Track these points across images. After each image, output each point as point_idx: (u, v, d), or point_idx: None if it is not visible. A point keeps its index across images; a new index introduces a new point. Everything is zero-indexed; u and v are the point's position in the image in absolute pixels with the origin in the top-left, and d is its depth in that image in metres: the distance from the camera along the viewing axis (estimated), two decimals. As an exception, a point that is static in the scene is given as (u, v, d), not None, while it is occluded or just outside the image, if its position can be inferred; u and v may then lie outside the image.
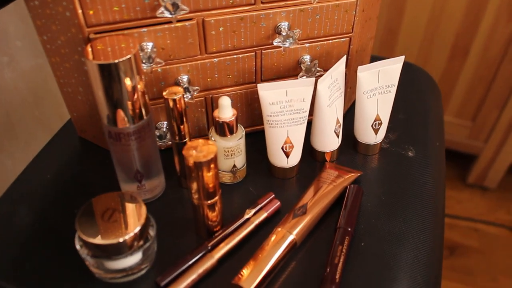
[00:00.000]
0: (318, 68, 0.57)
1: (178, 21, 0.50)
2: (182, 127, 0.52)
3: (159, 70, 0.53)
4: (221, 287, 0.47)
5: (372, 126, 0.59)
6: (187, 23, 0.51)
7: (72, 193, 0.57)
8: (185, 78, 0.55)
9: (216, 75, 0.56)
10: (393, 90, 0.57)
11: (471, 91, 1.24)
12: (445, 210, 0.60)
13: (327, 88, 0.54)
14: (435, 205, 0.56)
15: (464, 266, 1.19)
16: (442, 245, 0.55)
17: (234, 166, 0.56)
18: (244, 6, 0.51)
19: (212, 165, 0.45)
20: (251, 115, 0.62)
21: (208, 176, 0.46)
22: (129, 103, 0.46)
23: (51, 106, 0.95)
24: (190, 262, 0.47)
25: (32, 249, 0.51)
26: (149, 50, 0.50)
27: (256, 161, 0.60)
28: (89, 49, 0.45)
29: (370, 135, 0.59)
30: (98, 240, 0.43)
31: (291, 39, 0.53)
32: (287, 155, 0.56)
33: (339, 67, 0.55)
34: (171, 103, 0.49)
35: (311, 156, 0.61)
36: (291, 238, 0.48)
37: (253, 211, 0.52)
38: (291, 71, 0.59)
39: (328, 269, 0.46)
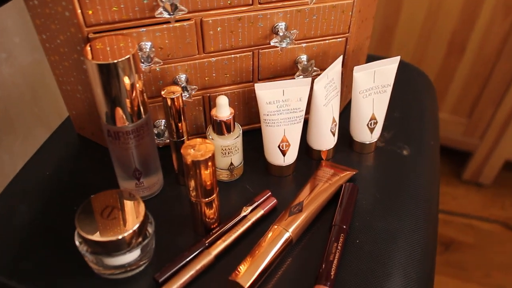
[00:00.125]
0: (314, 68, 0.58)
1: (177, 21, 0.51)
2: (180, 125, 0.52)
3: (157, 69, 0.54)
4: (218, 283, 0.47)
5: (367, 125, 0.59)
6: (185, 23, 0.51)
7: (71, 190, 0.58)
8: (183, 77, 0.55)
9: (213, 74, 0.57)
10: (389, 90, 0.58)
11: (467, 88, 1.25)
12: (439, 207, 0.61)
13: (323, 87, 0.54)
14: (429, 203, 0.57)
15: (459, 261, 1.21)
16: (435, 242, 0.56)
17: (231, 164, 0.56)
18: (242, 7, 0.52)
19: (209, 164, 0.46)
20: (248, 113, 0.63)
21: (206, 175, 0.46)
22: (128, 102, 0.47)
23: (49, 101, 0.95)
24: (188, 259, 0.48)
25: (32, 244, 0.51)
26: (147, 50, 0.51)
27: (253, 159, 0.60)
28: (89, 49, 0.45)
29: (366, 134, 0.60)
30: (97, 237, 0.44)
31: (288, 39, 0.54)
32: (284, 153, 0.57)
33: (336, 67, 0.56)
34: (169, 102, 0.50)
35: (307, 155, 0.62)
36: (287, 235, 0.49)
37: (250, 208, 0.53)
38: (288, 71, 0.59)
39: (323, 266, 0.47)
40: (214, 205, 0.50)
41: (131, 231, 0.44)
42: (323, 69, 0.56)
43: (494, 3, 1.09)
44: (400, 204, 0.55)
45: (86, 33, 0.49)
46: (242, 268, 0.46)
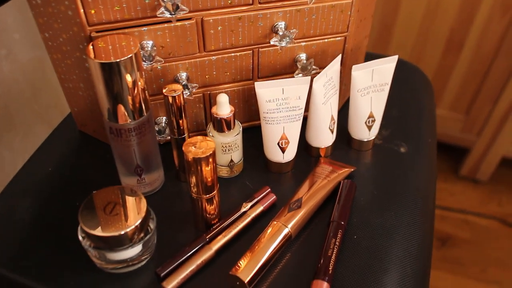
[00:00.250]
0: (313, 66, 0.59)
1: (178, 20, 0.51)
2: (181, 122, 0.53)
3: (158, 67, 0.55)
4: (219, 277, 0.48)
5: (365, 123, 0.60)
6: (186, 22, 0.52)
7: (73, 186, 0.58)
8: (184, 75, 0.56)
9: (214, 73, 0.57)
10: (387, 88, 0.58)
11: (465, 85, 1.26)
12: (436, 203, 0.62)
13: (322, 86, 0.55)
14: (426, 200, 0.58)
15: (456, 257, 1.22)
16: (431, 238, 0.57)
17: (232, 160, 0.57)
18: (242, 6, 0.52)
19: (210, 161, 0.46)
20: (248, 111, 0.63)
21: (207, 171, 0.47)
22: (130, 100, 0.47)
23: (49, 97, 0.96)
24: (189, 254, 0.49)
25: (35, 239, 0.52)
26: (149, 49, 0.51)
27: (252, 156, 0.61)
28: (91, 48, 0.46)
29: (364, 131, 0.61)
30: (100, 232, 0.45)
31: (287, 38, 0.55)
32: (283, 150, 0.58)
33: (334, 66, 0.57)
34: (170, 100, 0.51)
35: (306, 152, 0.62)
36: (286, 231, 0.50)
37: (250, 204, 0.54)
38: (288, 69, 0.60)
39: (321, 261, 0.48)
40: (214, 201, 0.51)
41: (133, 226, 0.45)
42: (322, 67, 0.57)
43: (491, 1, 1.09)
44: (397, 201, 0.56)
45: (88, 32, 0.49)
46: (242, 263, 0.47)
